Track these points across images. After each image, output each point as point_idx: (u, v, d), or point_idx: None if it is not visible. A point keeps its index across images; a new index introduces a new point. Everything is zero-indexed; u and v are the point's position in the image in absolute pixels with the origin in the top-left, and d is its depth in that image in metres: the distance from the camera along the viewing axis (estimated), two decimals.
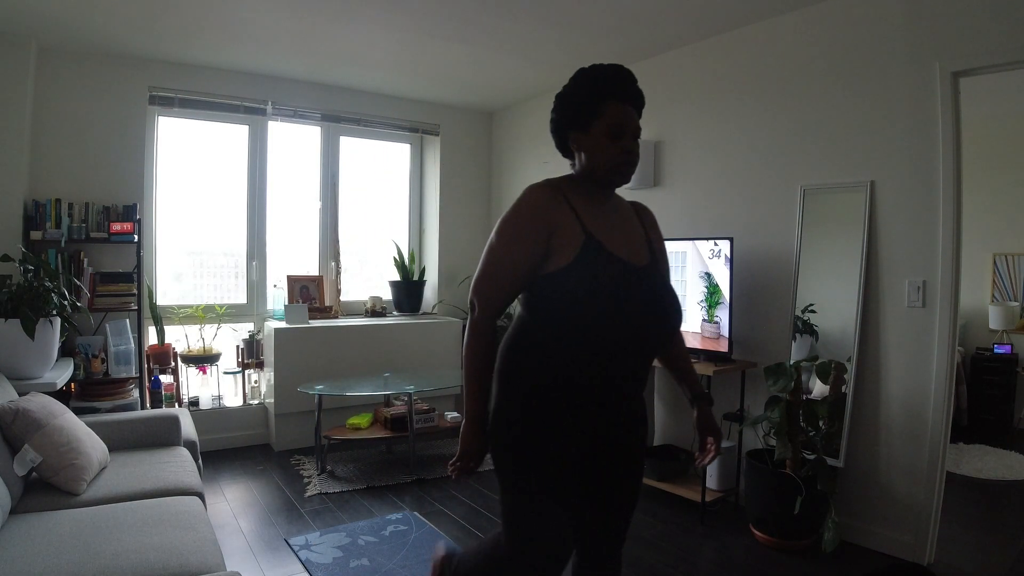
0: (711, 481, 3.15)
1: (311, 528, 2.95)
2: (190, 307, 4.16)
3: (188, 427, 2.93)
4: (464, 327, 4.76)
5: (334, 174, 4.78)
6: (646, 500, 3.34)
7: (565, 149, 1.56)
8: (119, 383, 3.60)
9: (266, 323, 4.30)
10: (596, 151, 1.46)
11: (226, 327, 4.30)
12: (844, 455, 2.81)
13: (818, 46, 2.98)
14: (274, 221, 4.53)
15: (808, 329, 3.02)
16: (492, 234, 1.44)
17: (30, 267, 2.91)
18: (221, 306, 4.25)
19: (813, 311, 3.01)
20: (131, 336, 3.71)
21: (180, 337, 4.14)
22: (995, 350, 4.80)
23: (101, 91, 3.77)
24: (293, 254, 4.68)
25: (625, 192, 4.35)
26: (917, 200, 2.64)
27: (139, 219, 3.74)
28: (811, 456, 2.73)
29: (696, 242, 3.23)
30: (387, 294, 4.87)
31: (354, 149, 4.92)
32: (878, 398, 2.76)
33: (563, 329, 1.34)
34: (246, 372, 4.32)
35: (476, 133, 5.25)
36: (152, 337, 4.04)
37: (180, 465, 2.50)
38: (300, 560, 2.62)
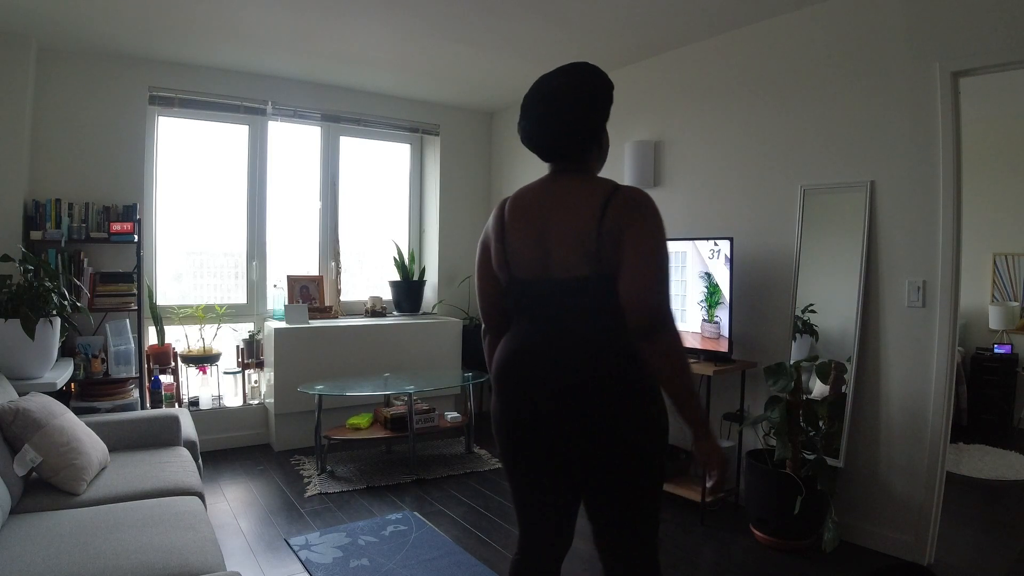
0: (711, 481, 3.14)
1: (311, 528, 2.95)
2: (190, 307, 4.16)
3: (188, 427, 2.93)
4: (463, 328, 4.77)
5: (334, 174, 4.78)
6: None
7: (589, 145, 1.49)
8: (119, 383, 3.60)
9: (266, 323, 4.30)
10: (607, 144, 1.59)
11: (226, 327, 4.30)
12: (844, 455, 2.81)
13: (818, 46, 2.98)
14: (274, 221, 4.53)
15: (808, 329, 3.02)
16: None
17: (30, 267, 2.91)
18: (221, 306, 4.25)
19: (813, 311, 3.01)
20: (131, 336, 3.71)
21: (180, 337, 4.14)
22: (995, 350, 4.80)
23: (101, 91, 3.77)
24: (293, 254, 4.68)
25: None
26: (917, 200, 2.64)
27: (139, 219, 3.74)
28: (811, 456, 2.73)
29: (696, 242, 3.23)
30: (387, 294, 4.87)
31: (354, 149, 4.92)
32: (878, 398, 2.76)
33: None
34: (246, 372, 4.32)
35: (476, 133, 5.25)
36: (152, 337, 4.04)
37: (180, 465, 2.50)
38: (300, 560, 2.62)
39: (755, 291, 3.22)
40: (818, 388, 2.94)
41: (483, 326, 1.61)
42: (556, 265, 1.38)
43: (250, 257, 4.46)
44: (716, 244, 3.13)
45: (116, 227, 3.62)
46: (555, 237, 1.38)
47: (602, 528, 1.46)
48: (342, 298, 4.75)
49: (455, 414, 4.11)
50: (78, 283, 3.44)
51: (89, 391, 3.52)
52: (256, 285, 4.47)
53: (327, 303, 4.62)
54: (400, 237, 5.12)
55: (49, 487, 2.16)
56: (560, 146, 1.45)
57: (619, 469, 1.38)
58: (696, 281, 3.22)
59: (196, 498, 2.22)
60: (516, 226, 1.43)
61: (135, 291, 3.67)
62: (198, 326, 4.13)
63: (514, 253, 1.43)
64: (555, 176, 1.47)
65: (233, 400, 4.29)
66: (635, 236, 1.31)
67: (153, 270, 4.11)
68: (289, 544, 2.77)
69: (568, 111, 1.44)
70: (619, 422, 1.35)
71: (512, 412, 1.45)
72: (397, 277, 4.82)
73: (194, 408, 4.07)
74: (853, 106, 2.84)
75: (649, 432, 1.39)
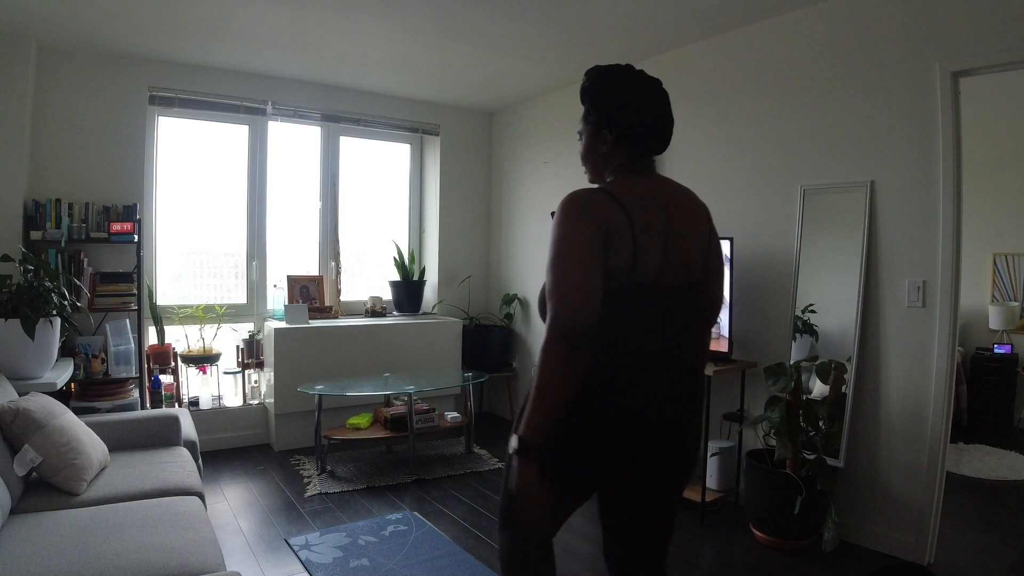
0: (711, 481, 3.15)
1: (311, 528, 2.95)
2: (190, 307, 4.16)
3: (188, 427, 2.93)
4: (463, 328, 4.77)
5: (334, 174, 4.78)
6: None
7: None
8: (119, 383, 3.60)
9: (266, 323, 4.30)
10: None
11: (226, 327, 4.30)
12: (844, 455, 2.81)
13: (818, 46, 2.98)
14: (274, 221, 4.53)
15: (808, 329, 3.02)
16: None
17: (30, 267, 2.91)
18: (221, 306, 4.25)
19: (813, 311, 3.01)
20: (131, 336, 3.71)
21: (180, 337, 4.14)
22: (995, 350, 4.80)
23: (101, 91, 3.77)
24: (293, 254, 4.68)
25: None
26: (917, 200, 2.64)
27: (139, 219, 3.74)
28: (811, 456, 2.73)
29: None
30: (387, 294, 4.87)
31: (354, 149, 4.92)
32: (878, 398, 2.76)
33: None
34: (246, 372, 4.32)
35: (476, 133, 5.25)
36: (152, 337, 4.04)
37: (180, 465, 2.50)
38: (300, 560, 2.62)
39: (755, 291, 3.22)
40: (818, 388, 2.94)
41: (580, 331, 1.18)
42: (672, 271, 1.33)
43: (250, 257, 4.46)
44: None
45: (116, 227, 3.62)
46: (676, 242, 1.35)
47: (666, 540, 1.48)
48: (342, 298, 4.75)
49: (455, 414, 4.11)
50: (78, 283, 3.44)
51: (89, 391, 3.52)
52: (256, 285, 4.47)
53: (327, 303, 4.62)
54: (400, 237, 5.12)
55: (49, 487, 2.16)
56: (668, 144, 1.50)
57: (686, 481, 1.47)
58: None
59: (196, 498, 2.22)
60: (643, 223, 1.30)
61: (135, 291, 3.67)
62: (198, 326, 4.13)
63: (645, 253, 1.29)
64: (653, 174, 1.47)
65: (233, 400, 4.29)
66: (721, 253, 1.49)
67: (153, 270, 4.11)
68: (289, 544, 2.77)
69: (671, 110, 1.49)
70: (697, 441, 1.45)
71: (648, 423, 1.34)
72: (397, 277, 4.83)
73: (194, 408, 4.07)
74: (853, 106, 2.84)
75: None
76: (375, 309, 4.74)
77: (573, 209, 1.27)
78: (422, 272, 5.02)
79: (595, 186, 1.39)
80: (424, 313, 4.90)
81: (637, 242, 1.28)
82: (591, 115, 1.45)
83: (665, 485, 1.41)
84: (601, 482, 1.39)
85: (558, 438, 1.24)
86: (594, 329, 1.20)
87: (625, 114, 1.40)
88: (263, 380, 4.32)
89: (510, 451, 1.24)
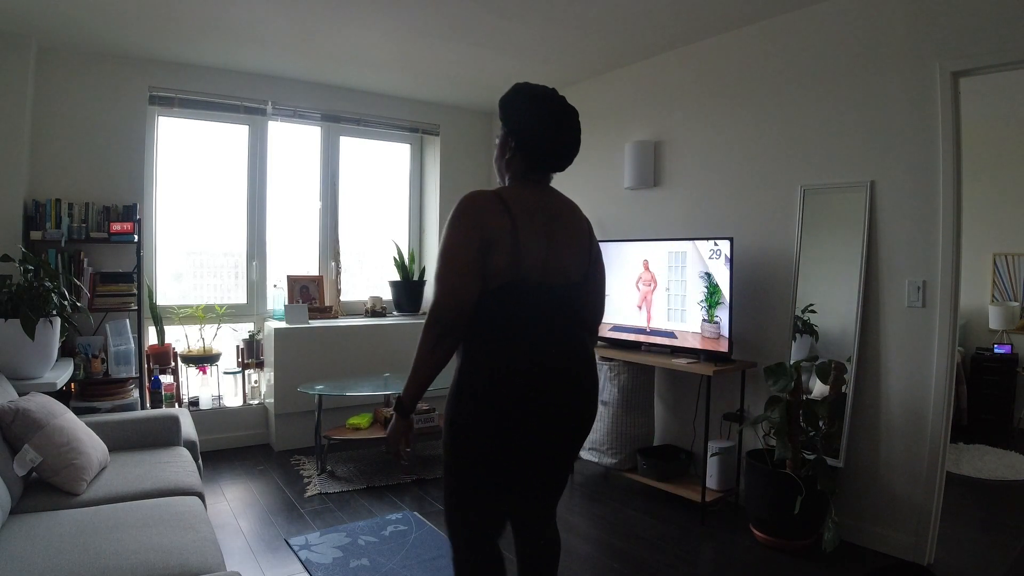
0: (711, 481, 3.15)
1: (311, 528, 2.95)
2: (190, 307, 4.16)
3: (188, 427, 2.93)
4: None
5: (334, 174, 4.78)
6: (646, 500, 3.35)
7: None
8: (119, 383, 3.60)
9: (266, 323, 4.30)
10: None
11: (226, 327, 4.30)
12: (844, 455, 2.81)
13: (818, 46, 2.98)
14: (274, 221, 4.53)
15: (808, 329, 3.02)
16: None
17: (30, 267, 2.91)
18: (221, 306, 4.25)
19: (813, 311, 3.01)
20: (131, 336, 3.71)
21: (180, 337, 4.14)
22: (995, 350, 4.80)
23: (101, 91, 3.77)
24: (293, 254, 4.68)
25: (625, 192, 4.36)
26: (917, 200, 2.64)
27: (139, 219, 3.74)
28: (811, 456, 2.73)
29: (696, 242, 3.23)
30: (387, 294, 4.87)
31: (354, 149, 4.92)
32: (878, 398, 2.76)
33: None
34: (246, 372, 4.32)
35: (476, 133, 5.25)
36: (152, 337, 4.04)
37: (180, 465, 2.50)
38: (300, 560, 2.62)
39: (755, 291, 3.22)
40: (818, 388, 2.94)
41: (445, 323, 1.43)
42: (554, 272, 1.54)
43: (250, 257, 4.45)
44: (716, 244, 3.13)
45: (116, 227, 3.62)
46: (558, 246, 1.55)
47: (552, 503, 1.74)
48: (342, 298, 4.75)
49: None
50: (78, 283, 3.44)
51: (89, 391, 3.52)
52: (256, 285, 4.47)
53: (327, 303, 4.62)
54: (400, 237, 5.12)
55: (49, 487, 2.16)
56: (569, 164, 1.64)
57: (577, 453, 1.70)
58: (696, 281, 3.22)
59: (196, 498, 2.22)
60: (527, 227, 1.50)
61: (135, 291, 3.67)
62: (198, 326, 4.13)
63: (527, 254, 1.48)
64: (546, 186, 1.63)
65: (233, 400, 4.29)
66: (601, 260, 1.70)
67: (153, 270, 4.11)
68: (289, 544, 2.77)
69: (580, 136, 1.64)
70: (593, 413, 1.65)
71: (547, 411, 1.53)
72: (397, 277, 4.82)
73: (194, 408, 4.07)
74: (853, 106, 2.84)
75: None
76: (375, 309, 4.74)
77: (462, 216, 1.46)
78: (422, 272, 5.02)
79: (491, 189, 1.55)
80: (424, 313, 4.89)
81: (519, 245, 1.47)
82: (502, 124, 1.62)
83: (555, 452, 1.61)
84: (509, 454, 1.55)
85: (468, 421, 1.50)
86: (461, 324, 1.45)
87: (528, 130, 1.57)
88: (263, 380, 4.32)
89: (392, 409, 1.51)
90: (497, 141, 1.65)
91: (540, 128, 1.56)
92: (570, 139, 1.60)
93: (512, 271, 1.46)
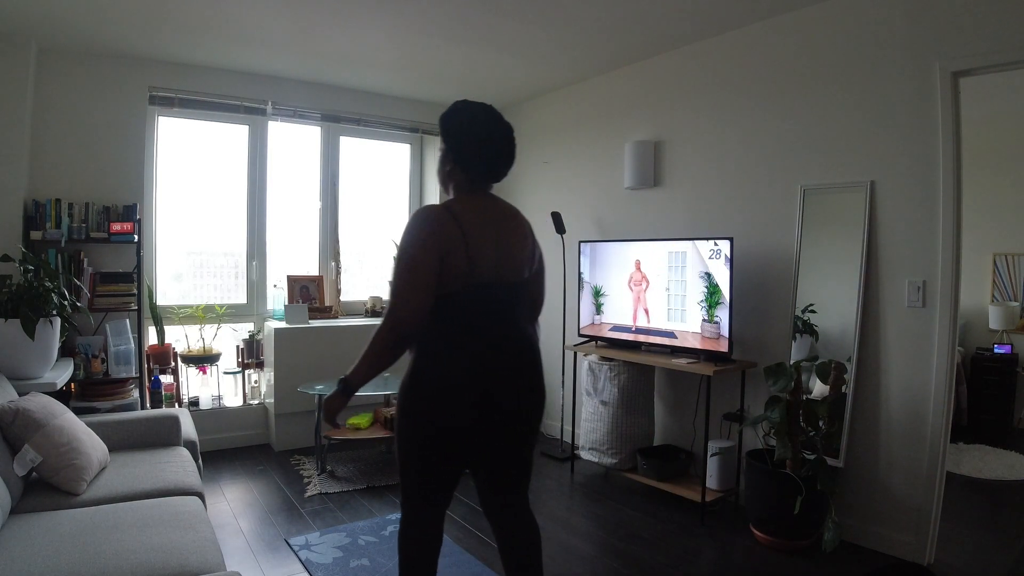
0: (711, 481, 3.15)
1: (311, 528, 2.95)
2: (190, 307, 4.16)
3: (188, 427, 2.93)
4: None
5: (334, 174, 4.78)
6: (646, 500, 3.35)
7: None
8: (119, 383, 3.60)
9: (266, 323, 4.30)
10: None
11: (226, 327, 4.30)
12: (844, 455, 2.81)
13: (818, 46, 2.98)
14: (274, 221, 4.53)
15: (808, 329, 3.02)
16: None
17: (30, 267, 2.91)
18: (221, 306, 4.25)
19: (813, 311, 3.01)
20: (131, 336, 3.71)
21: (180, 337, 4.14)
22: (995, 350, 4.80)
23: (101, 91, 3.77)
24: (293, 254, 4.68)
25: (625, 192, 4.35)
26: (917, 200, 2.64)
27: (139, 219, 3.74)
28: (811, 456, 2.73)
29: (696, 242, 3.23)
30: (387, 294, 4.87)
31: (354, 149, 4.92)
32: (878, 398, 2.76)
33: None
34: (246, 372, 4.32)
35: None
36: (152, 337, 4.04)
37: (180, 465, 2.50)
38: (300, 560, 2.62)
39: (755, 291, 3.22)
40: (818, 388, 2.94)
41: (403, 333, 1.59)
42: (507, 272, 1.69)
43: (250, 257, 4.46)
44: (716, 244, 3.13)
45: (116, 227, 3.62)
46: (506, 249, 1.70)
47: (518, 489, 1.85)
48: (342, 298, 4.75)
49: None
50: (78, 283, 3.44)
51: (89, 391, 3.52)
52: (256, 285, 4.47)
53: (327, 303, 4.62)
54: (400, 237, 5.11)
55: (49, 487, 2.16)
56: (504, 175, 1.80)
57: (535, 434, 1.83)
58: (696, 281, 3.22)
59: (196, 498, 2.22)
60: (476, 235, 1.64)
61: (135, 291, 3.67)
62: (198, 326, 4.13)
63: (479, 259, 1.63)
64: (488, 195, 1.77)
65: (233, 400, 4.29)
66: (542, 257, 1.86)
67: (153, 270, 4.11)
68: (289, 544, 2.77)
69: (514, 149, 1.80)
70: (543, 401, 1.80)
71: (495, 400, 1.65)
72: None
73: (194, 408, 4.07)
74: (853, 106, 2.84)
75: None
76: (375, 309, 4.74)
77: (416, 231, 1.60)
78: None
79: (440, 204, 1.69)
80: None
81: (470, 251, 1.61)
82: (442, 140, 1.76)
83: (513, 437, 1.74)
84: (459, 443, 1.68)
85: (422, 410, 1.64)
86: (417, 333, 1.60)
87: (465, 147, 1.72)
88: (263, 380, 4.32)
89: (337, 385, 1.66)
90: (439, 154, 1.78)
91: (476, 145, 1.71)
92: (505, 154, 1.76)
93: (467, 276, 1.61)
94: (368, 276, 5.07)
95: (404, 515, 1.80)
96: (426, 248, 1.58)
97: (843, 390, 2.84)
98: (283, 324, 4.15)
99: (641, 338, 3.50)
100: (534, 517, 1.88)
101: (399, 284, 1.59)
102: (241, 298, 4.45)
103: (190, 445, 2.80)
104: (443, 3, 3.06)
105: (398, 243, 1.64)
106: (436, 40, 3.58)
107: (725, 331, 3.09)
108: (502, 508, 1.85)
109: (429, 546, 1.79)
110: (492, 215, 1.72)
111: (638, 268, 3.48)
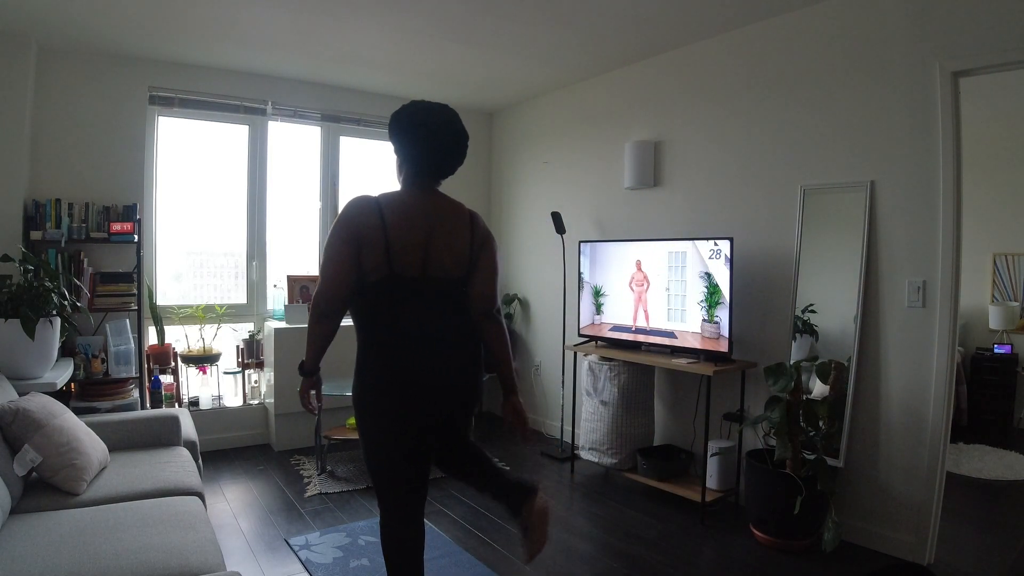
0: (711, 481, 3.15)
1: (311, 528, 2.95)
2: (190, 307, 4.16)
3: (188, 427, 2.93)
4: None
5: (334, 174, 4.78)
6: (646, 500, 3.35)
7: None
8: (119, 383, 3.60)
9: (266, 323, 4.30)
10: None
11: (226, 327, 4.30)
12: (844, 455, 2.81)
13: (818, 46, 2.98)
14: (274, 221, 4.53)
15: (808, 329, 3.02)
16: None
17: (30, 267, 2.91)
18: (221, 306, 4.25)
19: (813, 311, 3.01)
20: (131, 336, 3.71)
21: (180, 337, 4.14)
22: (995, 350, 4.80)
23: (101, 91, 3.77)
24: (293, 254, 4.68)
25: (625, 192, 4.35)
26: (917, 200, 2.63)
27: (139, 219, 3.74)
28: (811, 456, 2.73)
29: (696, 242, 3.23)
30: None
31: (354, 149, 4.92)
32: (878, 398, 2.76)
33: None
34: (246, 372, 4.32)
35: (476, 133, 5.24)
36: (152, 337, 4.04)
37: (180, 465, 2.50)
38: (300, 560, 2.62)
39: (755, 291, 3.22)
40: (818, 388, 2.94)
41: (321, 308, 1.71)
42: (435, 267, 1.74)
43: (250, 257, 4.46)
44: (716, 244, 3.13)
45: (116, 227, 3.62)
46: (438, 244, 1.75)
47: (460, 442, 1.98)
48: None
49: None
50: (78, 283, 3.44)
51: (89, 391, 3.52)
52: (256, 285, 4.47)
53: None
54: None
55: (49, 487, 2.16)
56: (452, 172, 1.88)
57: (471, 413, 1.97)
58: (696, 281, 3.22)
59: (196, 498, 2.22)
60: (401, 228, 1.71)
61: (135, 291, 3.67)
62: (198, 326, 4.13)
63: (401, 252, 1.70)
64: (430, 192, 1.83)
65: (233, 400, 4.29)
66: (490, 252, 1.85)
67: (153, 270, 4.11)
68: (289, 544, 2.77)
69: (465, 146, 1.88)
70: (478, 381, 1.90)
71: (420, 384, 1.75)
72: None
73: (194, 408, 4.07)
74: (853, 106, 2.84)
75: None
76: None
77: (340, 219, 1.70)
78: None
79: (371, 195, 1.76)
80: None
81: (390, 243, 1.68)
82: (390, 137, 1.85)
83: (445, 412, 1.85)
84: (399, 420, 1.77)
85: (364, 397, 1.77)
86: (336, 308, 1.72)
87: (409, 145, 1.81)
88: (263, 380, 4.32)
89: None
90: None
91: (421, 144, 1.79)
92: (450, 150, 1.83)
93: (386, 267, 1.68)
94: None
95: (381, 515, 1.85)
96: (342, 238, 1.68)
97: (843, 390, 2.84)
98: (283, 324, 4.15)
99: (641, 338, 3.50)
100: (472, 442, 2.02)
101: (321, 265, 1.74)
102: (241, 298, 4.45)
103: (190, 445, 2.80)
104: (443, 3, 3.06)
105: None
106: (436, 40, 3.58)
107: (725, 331, 3.09)
108: (449, 453, 1.98)
109: (412, 542, 1.84)
110: (427, 210, 1.77)
111: (639, 268, 3.48)
